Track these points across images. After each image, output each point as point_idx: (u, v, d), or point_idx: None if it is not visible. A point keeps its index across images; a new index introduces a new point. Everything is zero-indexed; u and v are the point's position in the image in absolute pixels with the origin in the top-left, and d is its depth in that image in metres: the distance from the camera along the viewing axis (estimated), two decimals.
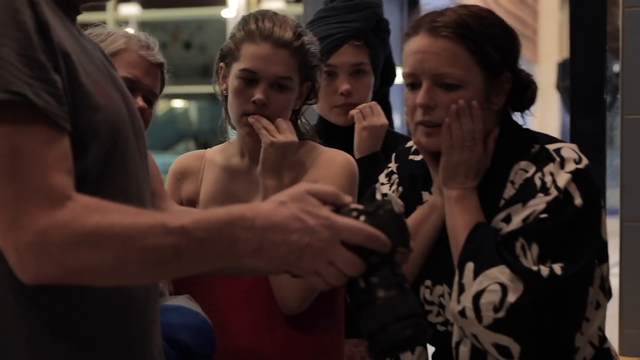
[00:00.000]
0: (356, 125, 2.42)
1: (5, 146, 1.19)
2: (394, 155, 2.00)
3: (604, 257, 1.74)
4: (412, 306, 1.26)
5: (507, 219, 1.72)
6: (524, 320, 1.65)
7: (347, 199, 1.30)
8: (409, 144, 1.98)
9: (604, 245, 1.75)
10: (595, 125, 2.85)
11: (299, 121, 2.20)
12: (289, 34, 2.07)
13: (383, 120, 2.42)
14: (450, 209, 1.77)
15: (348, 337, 2.25)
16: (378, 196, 1.95)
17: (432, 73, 1.74)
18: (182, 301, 2.02)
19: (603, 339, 1.78)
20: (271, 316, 2.09)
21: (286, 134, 2.03)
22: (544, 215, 1.68)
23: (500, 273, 1.65)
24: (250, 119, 2.05)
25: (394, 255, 1.28)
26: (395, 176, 1.95)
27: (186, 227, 1.21)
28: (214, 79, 2.19)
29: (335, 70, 2.45)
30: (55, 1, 1.35)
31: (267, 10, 2.13)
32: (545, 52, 13.84)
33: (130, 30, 2.14)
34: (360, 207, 1.30)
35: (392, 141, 2.45)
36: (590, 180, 1.73)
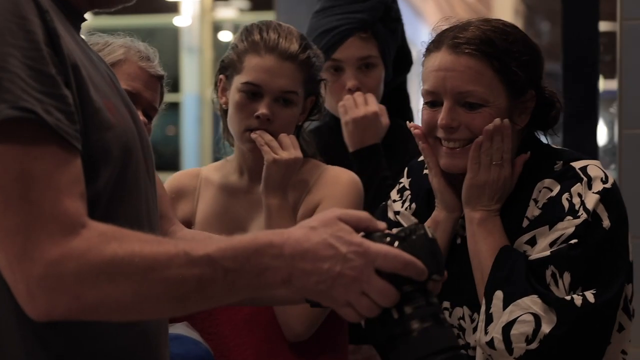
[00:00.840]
0: (342, 120, 2.30)
1: (15, 168, 1.10)
2: (406, 170, 1.93)
3: (629, 278, 1.69)
4: (449, 338, 1.19)
5: (532, 241, 1.66)
6: (557, 351, 1.59)
7: (381, 224, 1.22)
8: (422, 158, 1.89)
9: (630, 266, 1.69)
10: (588, 140, 2.81)
11: (301, 138, 2.11)
12: (294, 46, 1.99)
13: (369, 109, 2.26)
14: (472, 231, 1.71)
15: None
16: (390, 214, 1.88)
17: (454, 91, 1.68)
18: (182, 329, 1.91)
19: None
20: (274, 344, 2.00)
21: (290, 151, 1.94)
22: (574, 241, 1.62)
23: (532, 303, 1.60)
24: (253, 135, 1.96)
25: (428, 284, 1.21)
26: (407, 192, 1.88)
27: (211, 256, 1.13)
28: (212, 92, 2.09)
29: (342, 65, 2.32)
30: (61, 9, 1.26)
31: (271, 21, 2.05)
32: None
33: (128, 39, 2.02)
34: (392, 232, 1.22)
35: (405, 137, 2.27)
36: (617, 200, 1.68)
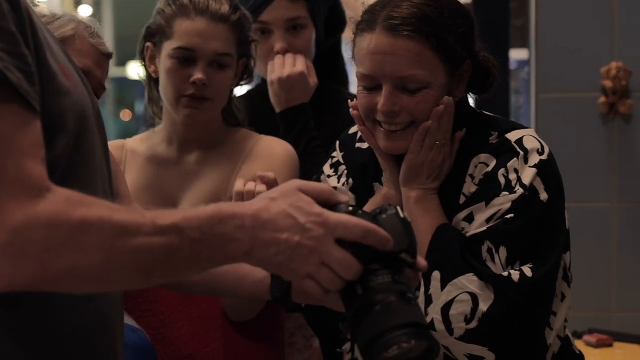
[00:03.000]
0: (267, 80, 2.21)
1: None
2: (337, 143, 1.87)
3: (566, 246, 1.68)
4: (415, 315, 1.12)
5: (469, 218, 1.63)
6: (497, 329, 1.56)
7: (343, 197, 1.18)
8: (353, 129, 1.85)
9: (566, 234, 1.69)
10: (500, 106, 2.82)
11: (232, 105, 2.04)
12: (225, 7, 1.92)
13: (295, 69, 2.18)
14: (409, 210, 1.65)
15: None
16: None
17: (394, 76, 1.60)
18: None
19: (565, 328, 1.73)
20: (210, 319, 1.93)
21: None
22: (509, 215, 1.59)
23: (468, 282, 1.57)
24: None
25: (399, 264, 1.15)
26: (342, 167, 1.82)
27: (178, 225, 1.08)
28: (138, 61, 1.98)
29: (269, 27, 2.21)
30: None
31: None
32: None
33: (75, 13, 1.89)
34: (357, 206, 1.17)
35: (338, 100, 2.24)
36: (553, 171, 1.65)
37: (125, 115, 10.63)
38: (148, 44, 1.97)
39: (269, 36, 2.21)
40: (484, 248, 1.58)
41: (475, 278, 1.56)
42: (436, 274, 1.59)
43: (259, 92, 2.30)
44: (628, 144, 2.61)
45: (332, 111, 2.24)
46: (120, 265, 1.06)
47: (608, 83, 2.56)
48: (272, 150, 1.98)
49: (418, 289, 1.62)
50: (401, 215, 1.16)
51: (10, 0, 1.07)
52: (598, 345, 2.53)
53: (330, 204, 1.16)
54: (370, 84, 1.63)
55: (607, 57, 2.59)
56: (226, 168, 1.96)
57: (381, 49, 1.60)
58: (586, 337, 2.58)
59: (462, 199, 1.65)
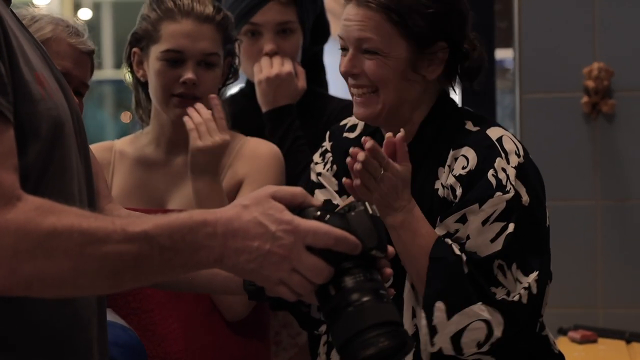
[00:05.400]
0: (255, 80, 2.26)
1: None
2: (328, 134, 1.94)
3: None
4: (389, 314, 1.14)
5: (463, 219, 1.66)
6: (507, 346, 1.64)
7: (315, 200, 1.21)
8: (344, 122, 1.92)
9: (548, 232, 1.73)
10: (486, 107, 2.85)
11: None
12: (209, 8, 1.96)
13: (283, 69, 2.23)
14: (397, 237, 1.67)
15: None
16: (313, 176, 1.89)
17: (354, 38, 1.74)
18: (108, 315, 1.84)
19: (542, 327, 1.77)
20: (200, 316, 1.96)
21: (214, 136, 1.89)
22: (512, 226, 1.63)
23: (479, 310, 1.61)
24: (185, 118, 1.90)
25: (371, 261, 1.18)
26: (329, 154, 1.89)
27: (148, 233, 1.11)
28: (125, 67, 2.02)
29: (260, 29, 2.26)
30: None
31: None
32: None
33: (55, 14, 1.92)
34: (327, 207, 1.19)
35: (322, 103, 2.31)
36: (532, 172, 1.70)
37: (125, 117, 10.65)
38: (135, 49, 2.00)
39: (259, 38, 2.26)
40: (495, 265, 1.63)
41: (484, 307, 1.61)
42: (440, 305, 1.62)
43: (244, 95, 2.35)
44: (611, 142, 2.65)
45: (315, 114, 2.28)
46: (89, 272, 1.09)
47: (590, 83, 2.60)
48: (258, 151, 2.02)
49: (399, 303, 1.66)
50: (370, 211, 1.18)
51: None
52: (582, 341, 2.56)
53: (302, 208, 1.18)
54: (343, 45, 1.78)
55: (589, 57, 2.63)
56: None
57: (349, 17, 1.75)
58: (571, 334, 2.61)
59: (442, 191, 1.69)
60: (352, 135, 1.88)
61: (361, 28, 1.72)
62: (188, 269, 1.16)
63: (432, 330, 1.62)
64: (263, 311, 2.05)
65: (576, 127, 2.65)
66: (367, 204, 1.19)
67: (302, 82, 2.27)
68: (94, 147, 2.10)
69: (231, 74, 2.07)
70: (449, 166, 1.70)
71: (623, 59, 2.63)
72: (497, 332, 1.60)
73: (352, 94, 1.78)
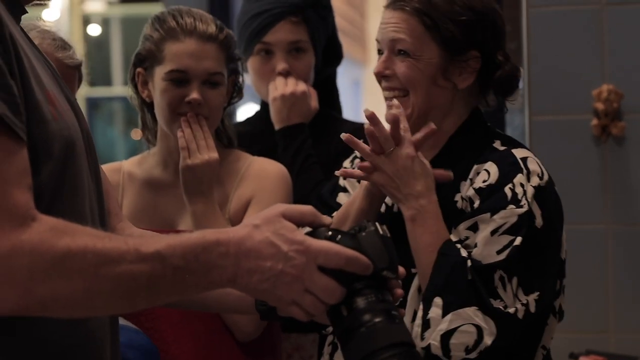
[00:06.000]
0: (269, 97, 2.28)
1: None
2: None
3: (561, 274, 1.73)
4: (402, 335, 1.15)
5: (474, 227, 1.67)
6: (494, 358, 1.62)
7: (326, 219, 1.21)
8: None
9: (562, 263, 1.73)
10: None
11: (226, 124, 2.09)
12: (212, 27, 1.97)
13: (298, 88, 2.25)
14: (409, 228, 1.69)
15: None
16: (340, 180, 1.91)
17: (387, 40, 1.78)
18: (120, 320, 1.84)
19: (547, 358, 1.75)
20: (214, 335, 1.96)
21: (203, 154, 1.90)
22: (519, 240, 1.63)
23: (474, 314, 1.61)
24: (179, 133, 1.92)
25: (382, 281, 1.18)
26: (357, 160, 1.90)
27: (161, 253, 1.11)
28: (129, 88, 2.01)
29: (272, 49, 2.28)
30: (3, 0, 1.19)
31: (179, 7, 2.00)
32: (375, 52, 14.18)
33: (42, 25, 1.90)
34: (339, 229, 1.20)
35: (334, 125, 2.31)
36: (550, 198, 1.70)
37: (135, 134, 10.69)
38: (139, 69, 2.00)
39: (271, 57, 2.28)
40: (497, 276, 1.62)
41: (479, 312, 1.60)
42: (438, 300, 1.62)
43: (259, 117, 2.37)
44: (621, 165, 2.62)
45: (327, 136, 2.29)
46: (103, 292, 1.10)
47: (600, 106, 2.58)
48: (265, 171, 2.02)
49: (403, 306, 1.67)
50: (380, 232, 1.19)
51: None
52: None
53: (313, 227, 1.18)
54: (379, 48, 1.81)
55: (598, 80, 2.61)
56: (222, 190, 1.99)
57: (385, 21, 1.79)
58: (582, 359, 2.58)
59: (461, 203, 1.70)
60: None
61: (395, 30, 1.76)
62: (201, 289, 1.17)
63: (425, 324, 1.62)
64: (275, 332, 2.05)
65: (586, 149, 2.63)
66: (377, 224, 1.20)
67: (314, 103, 2.29)
68: (102, 168, 2.10)
69: (235, 93, 2.07)
70: (471, 179, 1.71)
71: (632, 81, 2.61)
72: (487, 340, 1.59)
73: (385, 98, 1.80)
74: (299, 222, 1.18)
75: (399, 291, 1.21)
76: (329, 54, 2.39)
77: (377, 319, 1.14)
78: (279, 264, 1.14)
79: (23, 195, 1.08)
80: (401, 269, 1.22)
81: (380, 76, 1.79)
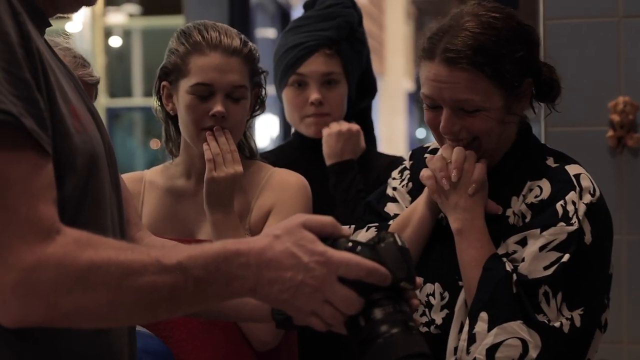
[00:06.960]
0: (323, 133, 2.35)
1: None
2: (410, 153, 1.99)
3: (608, 290, 1.76)
4: (418, 346, 1.17)
5: (523, 242, 1.69)
6: None
7: (346, 230, 1.23)
8: (427, 144, 1.96)
9: (609, 279, 1.75)
10: None
11: (248, 136, 2.11)
12: (236, 41, 1.99)
13: (353, 126, 2.34)
14: (457, 241, 1.73)
15: None
16: (389, 190, 1.93)
17: (451, 100, 1.71)
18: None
19: None
20: (233, 344, 1.97)
21: (229, 167, 1.93)
22: (566, 257, 1.64)
23: (519, 328, 1.62)
24: (205, 146, 1.95)
25: (399, 292, 1.21)
26: (407, 172, 1.93)
27: (183, 264, 1.13)
28: (154, 101, 2.05)
29: (306, 80, 2.36)
30: (29, 12, 1.22)
31: (204, 21, 2.03)
32: (392, 64, 14.35)
33: (63, 42, 1.94)
34: (359, 240, 1.22)
35: (370, 159, 2.38)
36: (601, 215, 1.71)
37: (154, 144, 10.75)
38: (164, 83, 2.02)
39: (305, 89, 2.36)
40: (541, 291, 1.63)
41: (524, 326, 1.61)
42: (484, 315, 1.64)
43: (292, 147, 2.44)
44: (636, 176, 2.63)
45: (364, 170, 2.36)
46: (127, 304, 1.12)
47: (616, 117, 2.60)
48: (286, 182, 2.04)
49: (450, 318, 1.70)
50: (399, 243, 1.21)
51: (25, 47, 1.13)
52: None
53: (333, 237, 1.20)
54: (432, 103, 1.75)
55: (614, 91, 2.63)
56: (243, 200, 2.01)
57: (439, 78, 1.71)
58: None
59: (513, 218, 1.72)
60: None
61: (457, 90, 1.69)
62: (222, 299, 1.18)
63: (471, 339, 1.64)
64: (293, 342, 2.07)
65: (601, 160, 2.64)
66: (396, 235, 1.21)
67: (362, 142, 2.37)
68: (124, 178, 2.14)
69: (258, 106, 2.10)
70: (524, 195, 1.72)
71: None
72: (533, 354, 1.60)
73: (437, 140, 1.79)
74: (320, 233, 1.19)
75: (416, 302, 1.23)
76: (363, 88, 2.45)
77: (394, 330, 1.16)
78: (299, 274, 1.15)
79: (48, 209, 1.10)
80: (418, 280, 1.24)
81: (448, 134, 1.74)
